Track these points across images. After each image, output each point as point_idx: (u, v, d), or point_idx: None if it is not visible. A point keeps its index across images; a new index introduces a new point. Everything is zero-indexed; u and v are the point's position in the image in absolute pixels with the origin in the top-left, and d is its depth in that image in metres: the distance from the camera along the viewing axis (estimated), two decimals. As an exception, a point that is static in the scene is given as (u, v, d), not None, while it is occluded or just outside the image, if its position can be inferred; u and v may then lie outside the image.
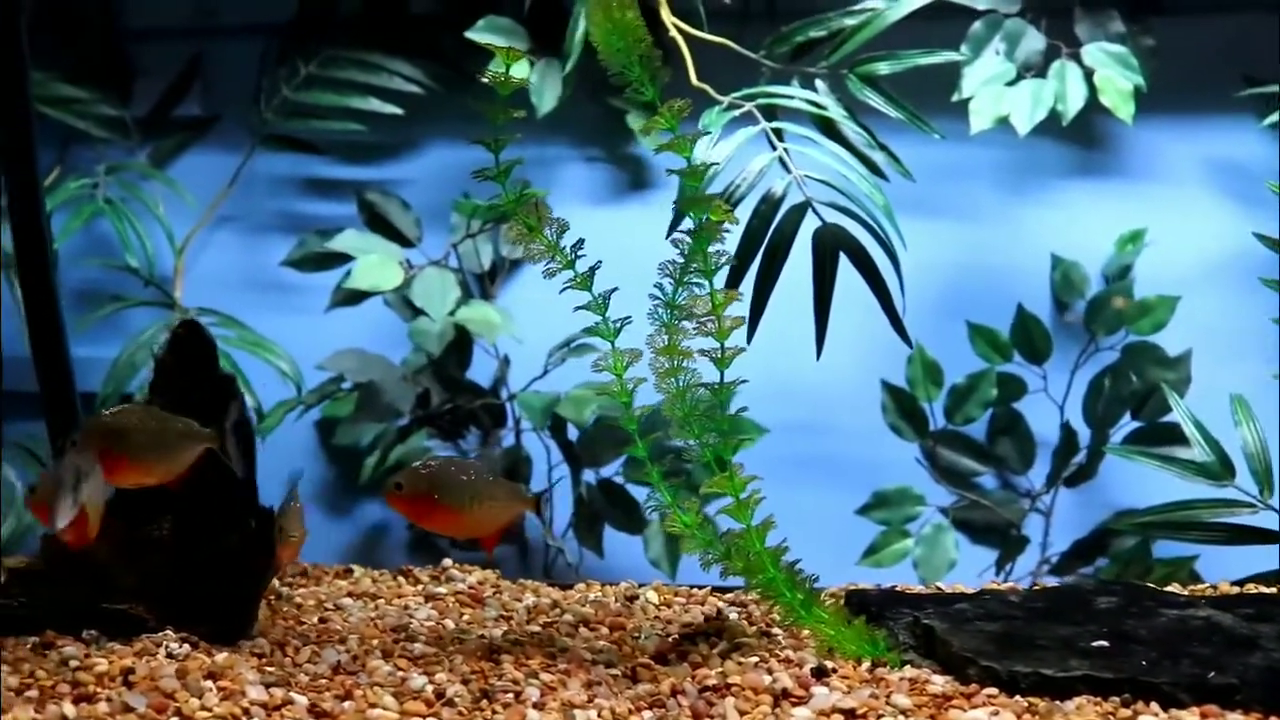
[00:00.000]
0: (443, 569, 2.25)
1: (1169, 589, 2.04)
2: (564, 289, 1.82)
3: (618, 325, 1.84)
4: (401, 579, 2.19)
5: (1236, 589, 2.16)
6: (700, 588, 2.16)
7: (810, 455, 2.80)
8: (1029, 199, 2.81)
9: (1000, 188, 2.83)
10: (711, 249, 1.90)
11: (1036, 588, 2.03)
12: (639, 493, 2.81)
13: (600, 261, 1.86)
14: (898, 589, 2.05)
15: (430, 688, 1.57)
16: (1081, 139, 2.80)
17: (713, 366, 1.90)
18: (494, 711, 1.52)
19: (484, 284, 2.88)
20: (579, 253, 1.83)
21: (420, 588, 2.13)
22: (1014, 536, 2.78)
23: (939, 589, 2.10)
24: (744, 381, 1.86)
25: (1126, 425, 2.75)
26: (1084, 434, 2.76)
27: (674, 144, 1.83)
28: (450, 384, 2.83)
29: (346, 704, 1.53)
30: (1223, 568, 2.46)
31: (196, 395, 1.80)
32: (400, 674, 1.63)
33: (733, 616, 1.90)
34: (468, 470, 1.78)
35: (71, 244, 2.90)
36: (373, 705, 1.53)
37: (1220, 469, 2.44)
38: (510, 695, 1.55)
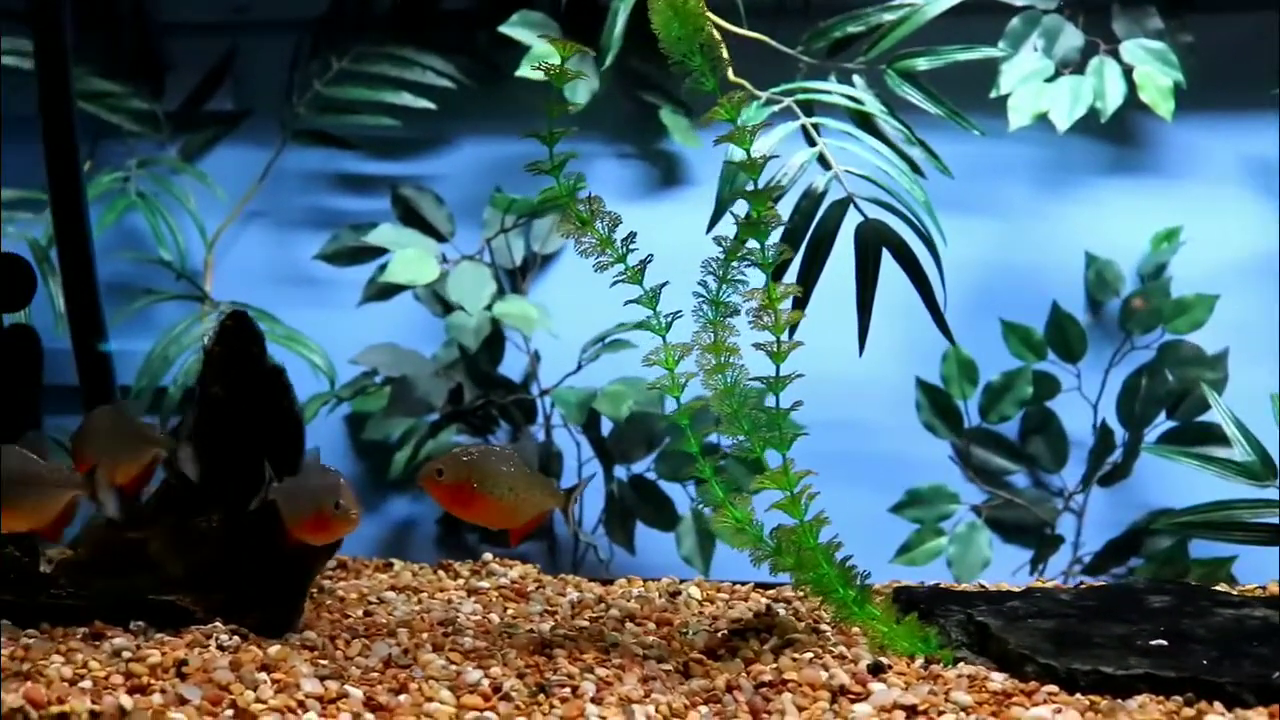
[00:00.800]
0: (483, 563, 2.24)
1: (1218, 589, 2.03)
2: (614, 283, 1.81)
3: (669, 320, 1.83)
4: (442, 573, 2.19)
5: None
6: (742, 584, 2.15)
7: (844, 452, 2.78)
8: (1063, 196, 2.80)
9: (1035, 185, 2.82)
10: (760, 244, 1.88)
11: (1084, 586, 2.01)
12: (671, 489, 2.80)
13: (651, 255, 1.85)
14: (944, 586, 2.04)
15: (486, 682, 1.56)
16: (1116, 136, 2.79)
17: (760, 361, 1.89)
18: (551, 706, 1.51)
19: (515, 279, 2.87)
20: (631, 246, 1.82)
21: (461, 582, 2.13)
22: (1048, 535, 2.77)
23: (983, 586, 2.09)
24: (799, 375, 1.85)
25: (1161, 425, 2.74)
26: (1119, 433, 2.75)
27: (734, 135, 1.82)
28: (482, 379, 2.82)
29: (401, 698, 1.52)
30: (1260, 570, 2.45)
31: (245, 386, 1.80)
32: (454, 668, 1.62)
33: (781, 612, 1.89)
34: (508, 461, 1.77)
35: (103, 238, 2.90)
36: (429, 699, 1.52)
37: (1262, 469, 2.43)
38: (567, 690, 1.54)
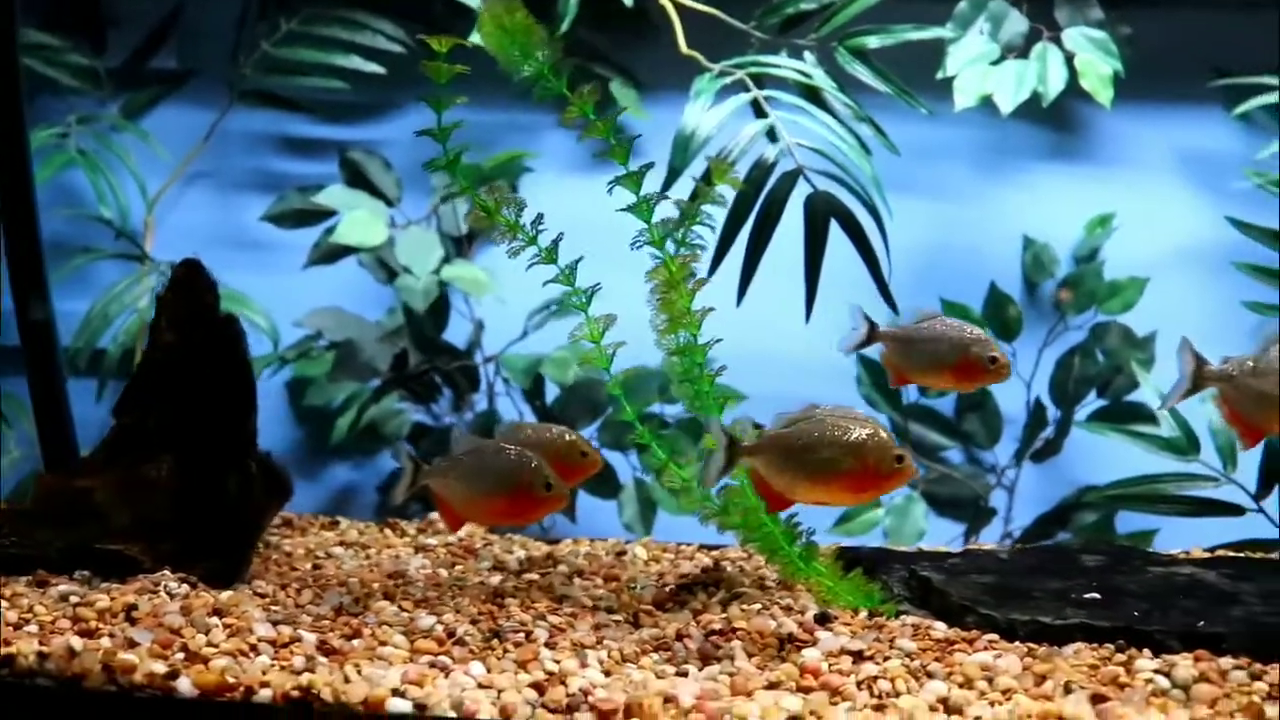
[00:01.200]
0: (429, 521, 2.24)
1: (1149, 550, 2.10)
2: (530, 265, 1.84)
3: (588, 294, 1.86)
4: (388, 531, 2.18)
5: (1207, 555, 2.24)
6: (687, 545, 2.18)
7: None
8: (1004, 180, 2.87)
9: (976, 168, 2.88)
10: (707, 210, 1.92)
11: (1019, 547, 2.08)
12: (613, 458, 2.82)
13: (562, 234, 1.88)
14: (886, 548, 2.09)
15: (440, 627, 1.57)
16: (1056, 123, 2.86)
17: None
18: (505, 651, 1.52)
19: (461, 246, 2.87)
20: (540, 227, 1.84)
21: (408, 540, 2.13)
22: (981, 509, 2.84)
23: (922, 550, 2.14)
24: (718, 340, 1.88)
25: (1091, 403, 2.82)
26: (1051, 411, 2.83)
27: (595, 130, 1.85)
28: (427, 345, 2.82)
29: (355, 642, 1.53)
30: (1181, 543, 2.53)
31: (197, 334, 1.78)
32: (407, 614, 1.63)
33: (729, 569, 1.92)
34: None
35: (38, 194, 2.84)
36: (382, 643, 1.53)
37: (1186, 444, 2.53)
38: (520, 635, 1.56)
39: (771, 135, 2.30)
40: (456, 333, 2.86)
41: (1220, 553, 2.24)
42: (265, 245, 2.91)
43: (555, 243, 1.86)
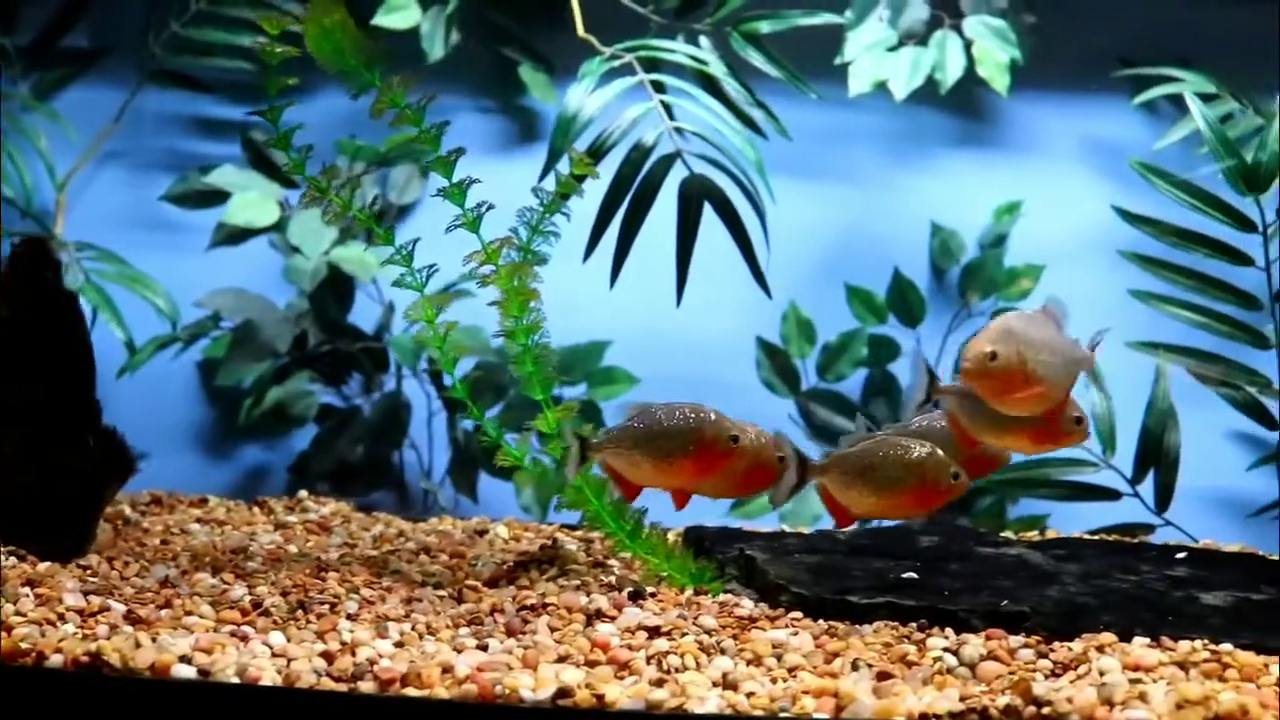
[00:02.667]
0: (298, 500, 2.27)
1: (987, 531, 2.12)
2: (367, 247, 1.87)
3: (424, 275, 1.89)
4: (256, 509, 2.21)
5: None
6: (568, 527, 2.20)
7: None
8: (915, 167, 2.87)
9: (887, 154, 2.89)
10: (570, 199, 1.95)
11: (864, 529, 2.09)
12: (513, 440, 2.84)
13: (383, 212, 1.91)
14: (736, 528, 2.11)
15: (248, 598, 1.59)
16: (966, 110, 2.86)
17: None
18: (308, 621, 1.54)
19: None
20: (374, 208, 1.86)
21: (272, 517, 2.15)
22: (882, 493, 2.85)
23: (783, 530, 2.16)
24: (541, 321, 1.92)
25: (994, 389, 2.82)
26: (953, 396, 2.83)
27: (405, 119, 1.90)
28: (331, 327, 2.83)
29: (163, 612, 1.55)
30: (1073, 527, 2.55)
31: (37, 311, 1.80)
32: (223, 586, 1.65)
33: (571, 547, 1.94)
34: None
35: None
36: (189, 613, 1.55)
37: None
38: (326, 607, 1.58)
39: (662, 118, 2.31)
40: (370, 315, 2.88)
41: (1080, 535, 2.25)
42: (181, 226, 2.93)
43: (377, 218, 1.88)
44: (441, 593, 1.71)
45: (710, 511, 2.73)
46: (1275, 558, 2.06)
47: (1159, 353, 2.55)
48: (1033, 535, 2.25)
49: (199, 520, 2.09)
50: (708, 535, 1.97)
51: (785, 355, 2.85)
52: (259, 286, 2.85)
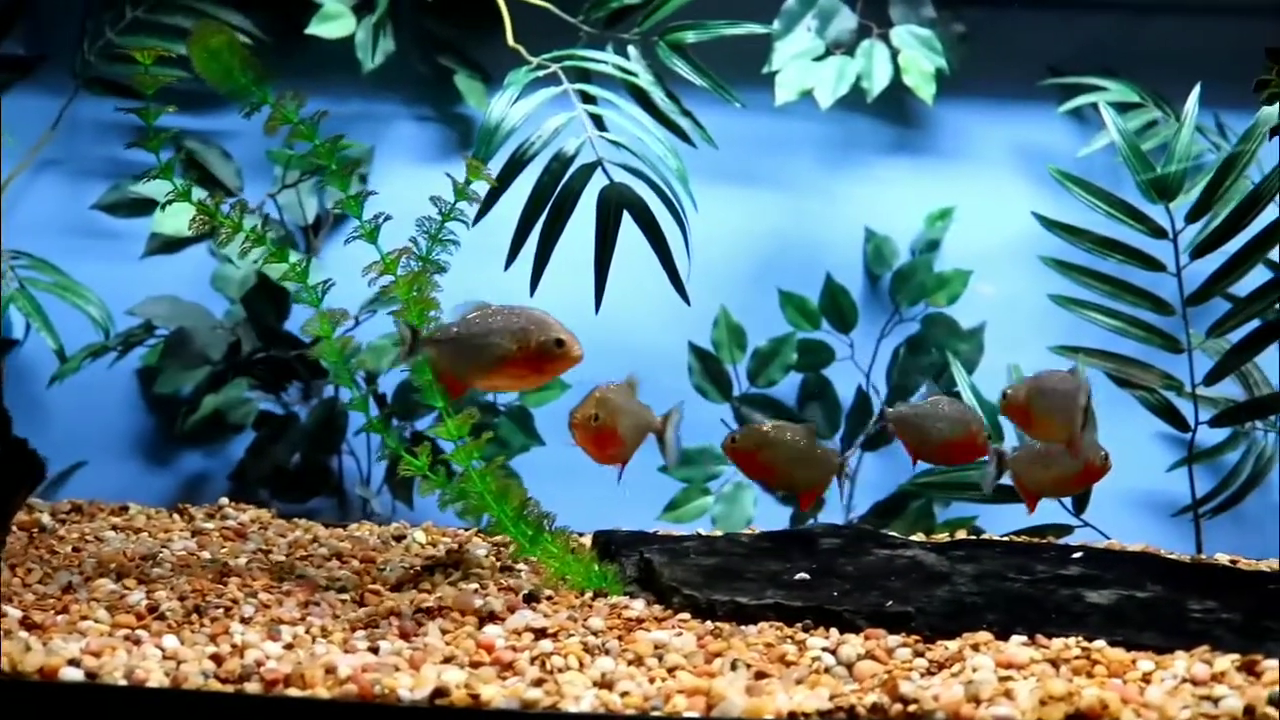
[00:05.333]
0: (218, 507, 2.28)
1: (890, 534, 2.15)
2: (258, 264, 1.90)
3: (320, 289, 1.94)
4: (177, 516, 2.23)
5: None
6: (484, 533, 2.21)
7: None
8: (849, 174, 2.91)
9: (822, 162, 2.92)
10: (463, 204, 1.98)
11: (762, 531, 2.13)
12: (448, 446, 2.85)
13: (271, 226, 1.94)
14: (650, 532, 2.13)
15: (145, 603, 1.61)
16: (900, 118, 2.90)
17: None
18: (202, 625, 1.56)
19: (308, 237, 2.90)
20: (267, 229, 1.90)
21: (191, 524, 2.17)
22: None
23: (700, 534, 2.19)
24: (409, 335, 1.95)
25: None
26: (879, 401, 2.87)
27: (300, 134, 1.96)
28: (268, 334, 2.85)
29: (60, 617, 1.57)
30: (1002, 528, 2.58)
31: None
32: (123, 592, 1.67)
33: (480, 552, 1.97)
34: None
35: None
36: (85, 618, 1.57)
37: (992, 433, 2.57)
38: (221, 611, 1.60)
39: (586, 126, 2.34)
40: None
41: (990, 537, 2.28)
42: (118, 235, 2.95)
43: (268, 233, 1.95)
44: (344, 596, 1.73)
45: (641, 515, 2.79)
46: (1173, 556, 2.09)
47: (1079, 357, 2.58)
48: (942, 537, 2.28)
49: (116, 528, 2.10)
50: (615, 539, 1.99)
51: (717, 361, 2.88)
52: (199, 295, 2.87)
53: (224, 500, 2.33)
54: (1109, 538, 2.47)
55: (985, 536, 2.30)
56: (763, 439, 2.00)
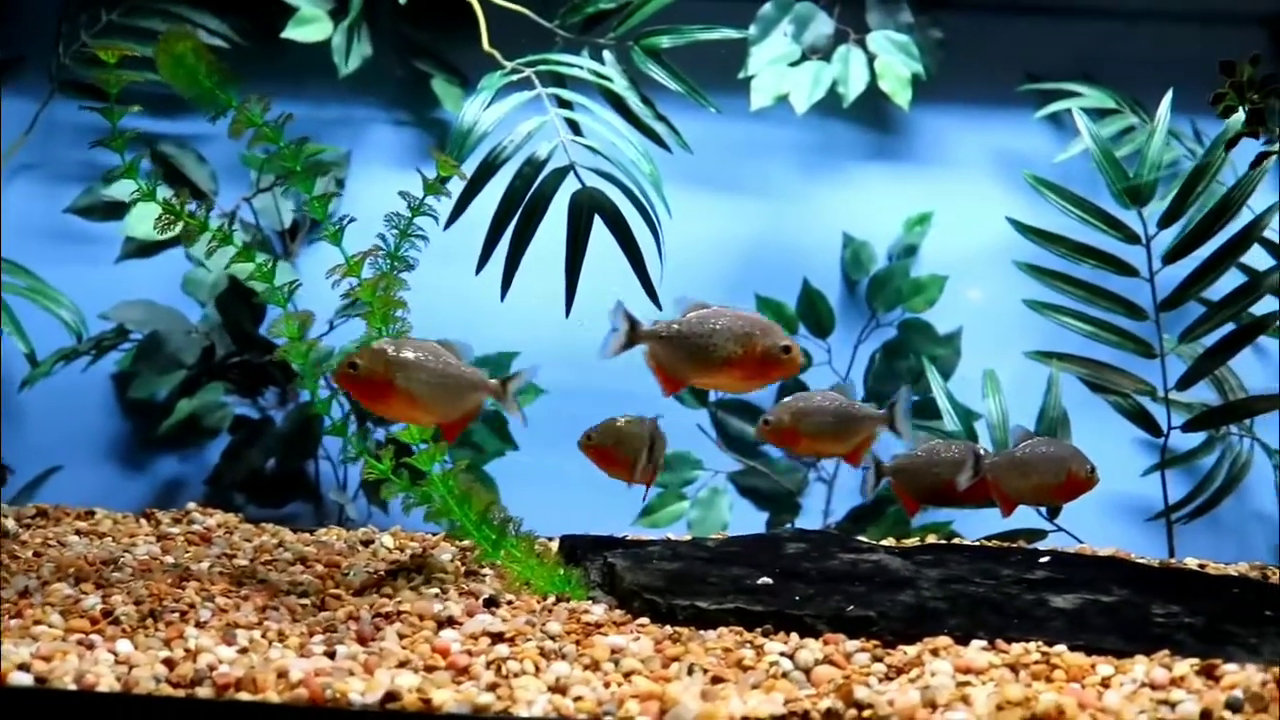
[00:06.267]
0: (185, 512, 2.27)
1: (859, 539, 2.14)
2: (229, 265, 1.89)
3: (287, 289, 1.92)
4: (143, 521, 2.21)
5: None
6: (453, 537, 2.20)
7: (594, 419, 2.86)
8: (827, 179, 2.90)
9: (799, 167, 2.92)
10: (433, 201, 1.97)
11: (729, 536, 2.12)
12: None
13: (236, 229, 1.95)
14: (618, 536, 2.12)
15: (100, 607, 1.60)
16: (878, 123, 2.90)
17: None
18: (156, 629, 1.55)
19: (285, 241, 2.90)
20: (233, 228, 1.89)
21: (158, 529, 2.16)
22: (789, 503, 2.87)
23: (669, 539, 2.18)
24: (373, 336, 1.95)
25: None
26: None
27: (264, 137, 1.97)
28: (242, 339, 2.84)
29: (13, 622, 1.56)
30: (978, 531, 2.57)
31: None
32: (78, 596, 1.66)
33: (445, 557, 1.96)
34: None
35: None
36: (39, 622, 1.55)
37: (966, 437, 2.56)
38: (177, 615, 1.59)
39: (559, 130, 2.34)
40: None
41: (961, 541, 2.27)
42: (94, 238, 2.94)
43: (233, 236, 1.93)
44: (305, 601, 1.72)
45: (617, 520, 2.78)
46: (1141, 560, 2.09)
47: (1053, 362, 2.59)
48: (911, 542, 2.28)
49: (80, 533, 2.09)
50: (581, 544, 1.98)
51: (711, 370, 2.87)
52: (174, 299, 2.86)
53: (191, 505, 2.32)
54: (1081, 542, 2.46)
55: (955, 541, 2.29)
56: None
